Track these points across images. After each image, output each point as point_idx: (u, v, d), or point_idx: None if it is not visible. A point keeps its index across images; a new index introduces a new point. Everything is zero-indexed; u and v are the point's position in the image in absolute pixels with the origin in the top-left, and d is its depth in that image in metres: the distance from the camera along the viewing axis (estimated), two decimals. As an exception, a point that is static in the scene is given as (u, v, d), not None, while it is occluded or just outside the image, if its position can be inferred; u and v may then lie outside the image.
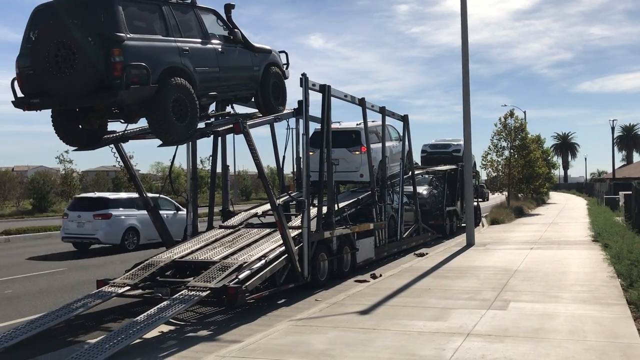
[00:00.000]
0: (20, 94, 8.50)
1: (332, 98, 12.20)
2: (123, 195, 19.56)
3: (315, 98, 12.09)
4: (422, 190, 20.94)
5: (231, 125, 10.02)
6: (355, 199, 15.05)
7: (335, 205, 12.72)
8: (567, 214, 33.75)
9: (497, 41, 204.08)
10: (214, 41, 9.73)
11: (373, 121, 15.93)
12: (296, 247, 10.44)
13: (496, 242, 18.23)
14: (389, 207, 16.23)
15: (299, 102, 11.37)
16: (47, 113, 8.99)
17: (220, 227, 12.57)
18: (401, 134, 17.80)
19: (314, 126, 13.36)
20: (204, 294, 8.55)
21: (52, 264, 15.50)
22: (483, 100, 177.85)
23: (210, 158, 13.16)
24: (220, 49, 9.78)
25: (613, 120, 54.24)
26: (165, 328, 8.35)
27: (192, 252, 10.66)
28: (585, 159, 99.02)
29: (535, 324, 7.61)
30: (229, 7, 10.26)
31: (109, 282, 9.56)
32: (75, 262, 15.88)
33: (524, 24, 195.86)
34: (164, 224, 11.87)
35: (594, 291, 9.74)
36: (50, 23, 7.99)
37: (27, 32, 8.46)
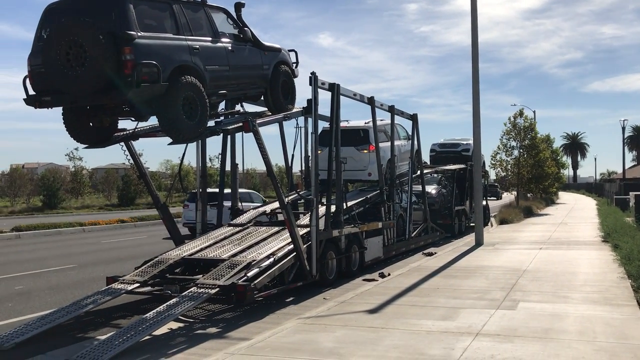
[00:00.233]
0: (31, 92, 8.55)
1: (341, 97, 12.20)
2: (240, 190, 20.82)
3: (324, 97, 12.11)
4: (431, 189, 20.90)
5: (240, 124, 10.05)
6: (364, 197, 15.05)
7: (344, 204, 12.73)
8: (576, 214, 33.57)
9: (507, 40, 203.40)
10: (224, 40, 9.75)
11: (382, 120, 15.91)
12: (304, 246, 10.45)
13: (505, 242, 18.17)
14: (398, 206, 16.21)
15: (308, 101, 11.38)
16: (58, 111, 9.06)
17: (229, 225, 12.62)
18: (410, 133, 17.76)
19: (322, 125, 13.38)
20: (213, 291, 8.58)
21: (61, 260, 15.61)
22: (492, 100, 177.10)
23: (220, 156, 13.21)
24: (230, 48, 9.80)
25: (624, 120, 53.92)
26: (174, 325, 8.38)
27: (201, 249, 10.71)
28: (595, 159, 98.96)
29: (545, 324, 7.58)
30: (239, 6, 10.29)
31: (119, 279, 9.62)
32: (85, 259, 15.99)
33: (534, 23, 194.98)
34: (174, 222, 11.92)
35: (604, 292, 9.69)
36: (61, 21, 8.03)
37: (38, 31, 8.51)
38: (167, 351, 7.16)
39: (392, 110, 15.74)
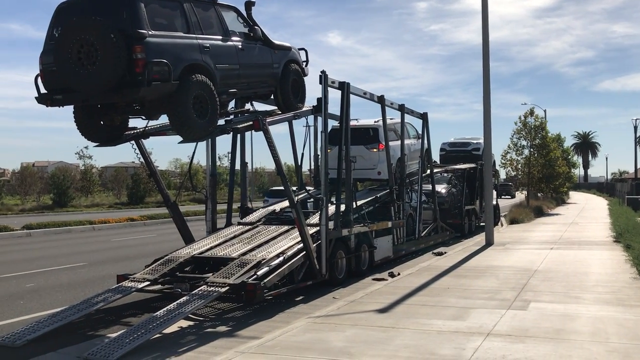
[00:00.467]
0: (43, 90, 8.61)
1: (351, 95, 12.17)
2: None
3: (334, 95, 12.06)
4: (441, 188, 20.79)
5: (250, 122, 10.05)
6: (374, 196, 14.99)
7: (354, 203, 12.70)
8: (587, 214, 33.34)
9: (518, 39, 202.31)
10: (234, 38, 9.75)
11: (391, 119, 15.85)
12: (314, 245, 10.43)
13: (515, 242, 18.07)
14: (408, 205, 16.15)
15: (318, 100, 11.35)
16: (69, 109, 9.11)
17: (239, 223, 12.62)
18: (420, 132, 17.69)
19: (332, 124, 13.34)
20: (223, 290, 8.58)
21: (72, 258, 15.69)
22: (502, 99, 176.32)
23: (229, 155, 13.20)
24: (240, 46, 9.80)
25: (635, 119, 53.74)
26: (184, 323, 8.39)
27: (211, 248, 10.72)
28: (606, 158, 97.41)
29: (557, 324, 7.52)
30: (249, 5, 10.28)
31: (129, 277, 9.64)
32: (95, 257, 16.07)
33: (545, 21, 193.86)
34: (184, 220, 11.93)
35: (617, 292, 9.61)
36: (73, 20, 8.06)
37: (50, 29, 8.56)
38: (177, 349, 7.17)
39: (402, 109, 15.67)
